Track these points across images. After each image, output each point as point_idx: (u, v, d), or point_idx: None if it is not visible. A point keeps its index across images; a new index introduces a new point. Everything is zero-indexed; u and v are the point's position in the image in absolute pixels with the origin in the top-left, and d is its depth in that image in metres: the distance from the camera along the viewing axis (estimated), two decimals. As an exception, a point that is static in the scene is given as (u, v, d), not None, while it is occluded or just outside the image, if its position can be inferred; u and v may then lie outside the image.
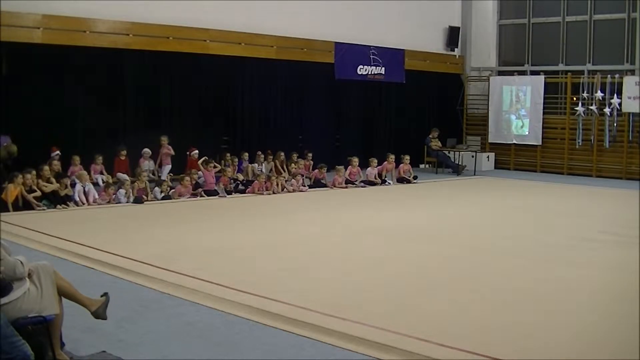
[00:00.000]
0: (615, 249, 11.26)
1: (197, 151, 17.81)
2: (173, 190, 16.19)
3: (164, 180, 16.39)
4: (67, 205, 14.31)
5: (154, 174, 17.19)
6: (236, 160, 18.75)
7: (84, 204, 14.64)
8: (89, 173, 15.76)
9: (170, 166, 17.89)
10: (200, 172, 16.94)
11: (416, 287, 8.62)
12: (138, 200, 15.16)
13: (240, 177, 18.23)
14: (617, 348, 6.48)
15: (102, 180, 16.12)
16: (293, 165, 19.09)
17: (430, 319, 7.25)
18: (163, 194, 15.73)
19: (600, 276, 9.35)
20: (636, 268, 9.47)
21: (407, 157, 20.60)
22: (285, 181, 17.82)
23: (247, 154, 19.05)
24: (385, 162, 19.98)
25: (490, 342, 6.51)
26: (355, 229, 12.64)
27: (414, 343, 6.38)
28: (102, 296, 6.05)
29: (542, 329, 6.91)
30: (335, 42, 22.07)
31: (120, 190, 15.30)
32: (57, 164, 15.32)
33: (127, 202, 15.11)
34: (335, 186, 18.48)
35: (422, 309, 7.63)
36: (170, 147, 17.93)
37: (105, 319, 6.00)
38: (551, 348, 6.39)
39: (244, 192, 17.17)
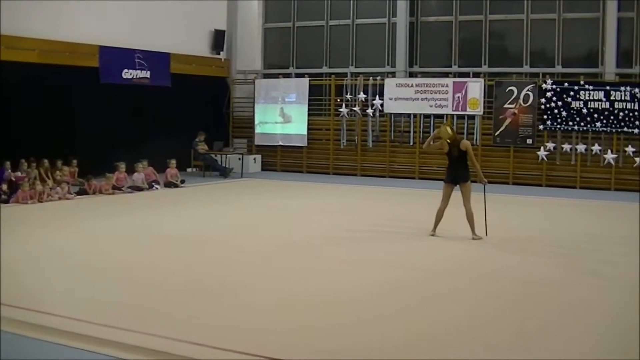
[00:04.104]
0: (381, 243, 12.54)
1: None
2: None
3: None
4: None
5: None
6: (-4, 168, 18.17)
7: None
8: None
9: None
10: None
11: (187, 291, 8.99)
12: None
13: (4, 186, 17.61)
14: (404, 347, 7.10)
15: None
16: (58, 172, 19.05)
17: (207, 322, 7.69)
18: None
19: (376, 273, 10.24)
20: (416, 265, 10.83)
21: (174, 161, 21.21)
22: (51, 189, 17.70)
23: (8, 162, 18.44)
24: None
25: (265, 343, 7.06)
26: (125, 236, 12.85)
27: (185, 347, 6.88)
28: None
29: (326, 330, 7.61)
30: (100, 46, 22.07)
31: None
32: None
33: None
34: (102, 192, 18.75)
35: (195, 313, 8.04)
36: None
37: None
38: (326, 348, 7.00)
39: (8, 202, 16.80)
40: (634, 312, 8.37)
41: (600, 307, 8.75)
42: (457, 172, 12.94)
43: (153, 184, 20.39)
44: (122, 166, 19.78)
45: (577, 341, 7.37)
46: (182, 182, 21.22)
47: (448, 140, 12.96)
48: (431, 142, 13.60)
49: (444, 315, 8.25)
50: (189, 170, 25.05)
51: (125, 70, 23.08)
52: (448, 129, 13.15)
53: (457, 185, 12.97)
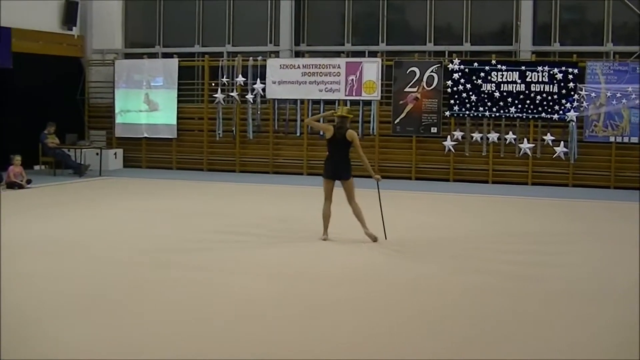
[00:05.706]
0: (264, 248, 12.33)
1: None
2: None
3: None
4: None
5: None
6: None
7: None
8: None
9: None
10: None
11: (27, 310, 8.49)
12: None
13: None
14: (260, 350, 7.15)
15: None
16: None
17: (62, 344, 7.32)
18: None
19: (259, 283, 10.00)
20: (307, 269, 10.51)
21: (18, 157, 20.17)
22: None
23: None
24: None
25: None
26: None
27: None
28: None
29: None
30: None
31: None
32: None
33: None
34: None
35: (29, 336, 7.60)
36: None
37: None
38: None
39: None
40: (565, 317, 8.53)
41: (530, 314, 8.70)
42: (338, 166, 12.85)
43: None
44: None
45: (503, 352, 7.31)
46: (29, 182, 20.13)
47: (336, 119, 12.91)
48: (320, 120, 14.34)
49: (339, 330, 8.04)
50: (36, 168, 23.99)
51: (-46, 48, 21.61)
52: (347, 110, 13.39)
53: (338, 181, 12.89)
